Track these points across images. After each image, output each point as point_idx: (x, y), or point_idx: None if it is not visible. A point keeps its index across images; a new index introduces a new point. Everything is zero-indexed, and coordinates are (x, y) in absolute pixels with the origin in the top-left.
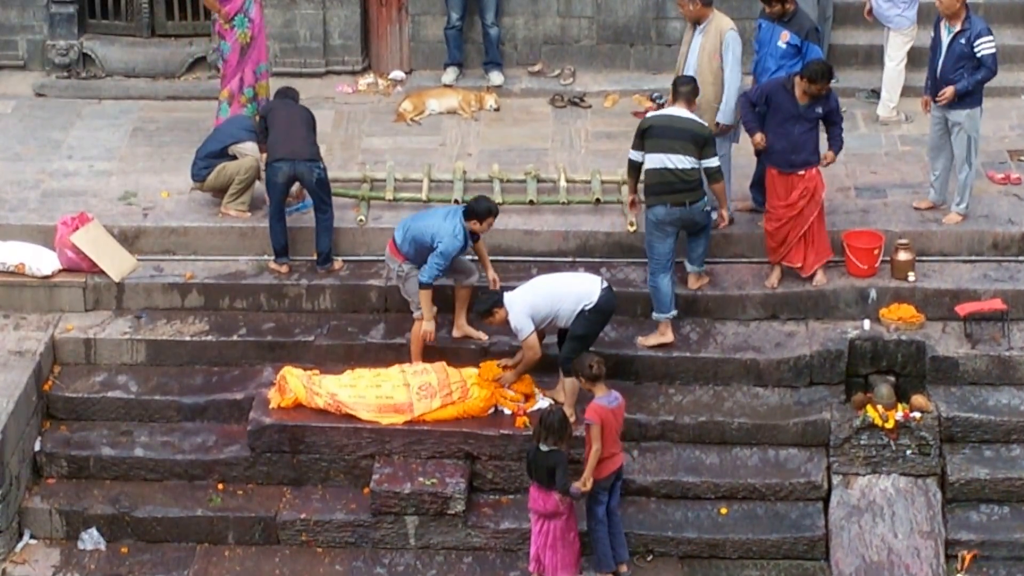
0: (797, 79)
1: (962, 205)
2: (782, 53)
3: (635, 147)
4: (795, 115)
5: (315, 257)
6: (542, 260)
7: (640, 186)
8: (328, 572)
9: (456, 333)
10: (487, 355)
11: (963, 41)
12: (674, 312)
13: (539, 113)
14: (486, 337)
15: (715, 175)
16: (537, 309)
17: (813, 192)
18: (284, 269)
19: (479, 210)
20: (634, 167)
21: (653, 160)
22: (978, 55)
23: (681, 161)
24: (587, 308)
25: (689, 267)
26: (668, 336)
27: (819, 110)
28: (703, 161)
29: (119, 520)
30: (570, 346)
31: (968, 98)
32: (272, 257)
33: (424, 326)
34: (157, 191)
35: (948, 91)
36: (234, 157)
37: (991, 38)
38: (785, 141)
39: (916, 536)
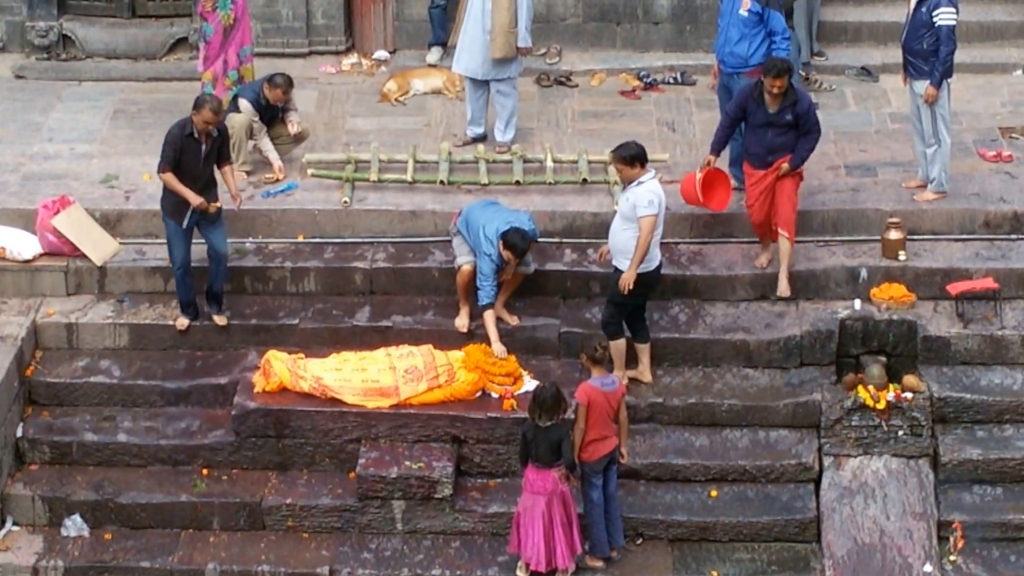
0: (763, 78)
1: (936, 183)
2: (744, 21)
3: None
4: (767, 122)
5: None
6: None
7: None
8: (314, 557)
9: None
10: (473, 338)
11: (924, 10)
12: None
13: (525, 92)
14: (517, 322)
15: None
16: (661, 209)
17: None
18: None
19: (511, 242)
20: None
21: None
22: (935, 24)
23: None
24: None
25: None
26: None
27: (788, 117)
28: None
29: (103, 506)
30: (608, 310)
31: (929, 70)
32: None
33: (494, 347)
34: (139, 174)
35: (930, 92)
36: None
37: (952, 10)
38: (760, 145)
39: (908, 517)
